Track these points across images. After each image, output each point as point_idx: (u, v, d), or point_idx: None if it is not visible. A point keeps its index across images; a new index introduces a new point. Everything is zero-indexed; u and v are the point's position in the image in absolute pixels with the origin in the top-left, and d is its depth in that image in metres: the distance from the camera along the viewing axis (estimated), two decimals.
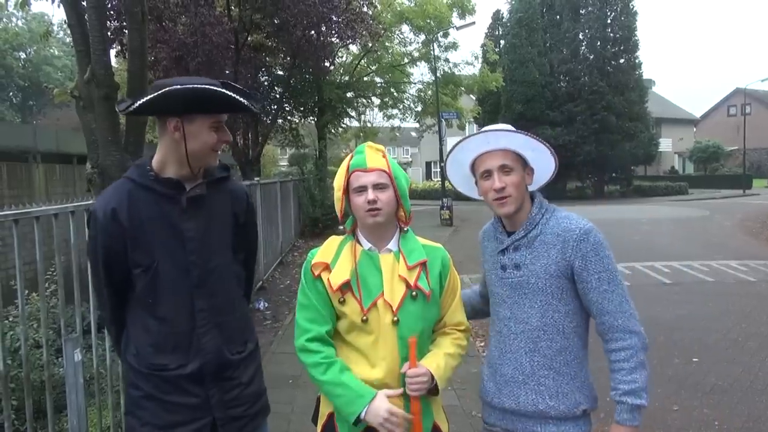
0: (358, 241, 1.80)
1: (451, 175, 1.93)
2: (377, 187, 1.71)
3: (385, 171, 1.73)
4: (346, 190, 1.76)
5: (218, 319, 1.79)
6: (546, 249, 1.72)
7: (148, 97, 1.65)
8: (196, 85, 1.65)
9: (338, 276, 1.72)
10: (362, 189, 1.71)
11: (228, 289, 1.84)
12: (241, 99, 1.67)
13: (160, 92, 1.63)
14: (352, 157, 1.77)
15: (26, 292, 2.46)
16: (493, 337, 1.87)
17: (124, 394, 2.82)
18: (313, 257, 1.79)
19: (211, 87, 1.65)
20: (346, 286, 1.71)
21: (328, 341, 1.75)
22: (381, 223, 1.73)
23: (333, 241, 1.82)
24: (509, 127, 1.77)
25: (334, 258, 1.76)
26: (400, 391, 1.68)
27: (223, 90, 1.66)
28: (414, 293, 1.73)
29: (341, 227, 1.83)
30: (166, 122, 1.69)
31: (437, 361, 1.74)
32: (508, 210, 1.73)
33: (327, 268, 1.75)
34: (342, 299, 1.72)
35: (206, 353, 1.76)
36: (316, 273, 1.76)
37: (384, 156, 1.77)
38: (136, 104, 1.68)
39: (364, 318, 1.70)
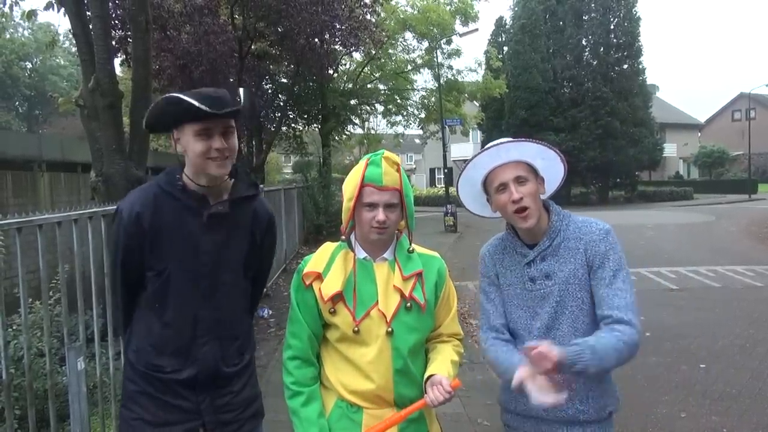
0: (352, 249, 1.77)
1: (462, 195, 1.90)
2: (388, 206, 1.67)
3: (398, 190, 1.69)
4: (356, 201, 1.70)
5: (219, 332, 1.82)
6: (571, 254, 1.72)
7: (146, 114, 1.75)
8: (163, 97, 1.70)
9: (330, 286, 1.69)
10: (373, 206, 1.67)
11: (233, 304, 1.86)
12: (195, 102, 1.63)
13: (150, 109, 1.73)
14: (366, 164, 1.70)
15: (29, 300, 2.46)
16: (521, 350, 1.80)
17: (115, 399, 2.87)
18: (305, 265, 1.77)
19: (171, 95, 1.68)
20: (337, 297, 1.69)
21: (307, 360, 1.75)
22: (385, 239, 1.72)
23: (326, 249, 1.79)
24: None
25: (326, 267, 1.73)
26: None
27: (179, 95, 1.66)
28: (408, 304, 1.70)
29: (344, 238, 1.78)
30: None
31: (447, 369, 1.72)
32: (532, 223, 1.71)
33: (319, 277, 1.73)
34: (333, 310, 1.69)
35: (202, 363, 1.78)
36: (308, 282, 1.74)
37: (399, 170, 1.71)
38: (144, 123, 1.77)
39: (356, 329, 1.68)
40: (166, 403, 1.79)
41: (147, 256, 1.76)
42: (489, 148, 1.74)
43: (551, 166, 1.79)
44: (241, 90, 1.73)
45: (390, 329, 1.68)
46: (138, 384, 1.81)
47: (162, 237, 1.75)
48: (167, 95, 1.70)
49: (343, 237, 1.79)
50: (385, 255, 1.76)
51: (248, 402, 1.90)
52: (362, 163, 1.72)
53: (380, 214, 1.66)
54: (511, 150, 1.72)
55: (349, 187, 1.70)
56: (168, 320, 1.77)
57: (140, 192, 1.82)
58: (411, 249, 1.78)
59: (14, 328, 3.23)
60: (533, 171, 1.75)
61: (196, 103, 1.63)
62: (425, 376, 1.71)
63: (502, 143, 1.74)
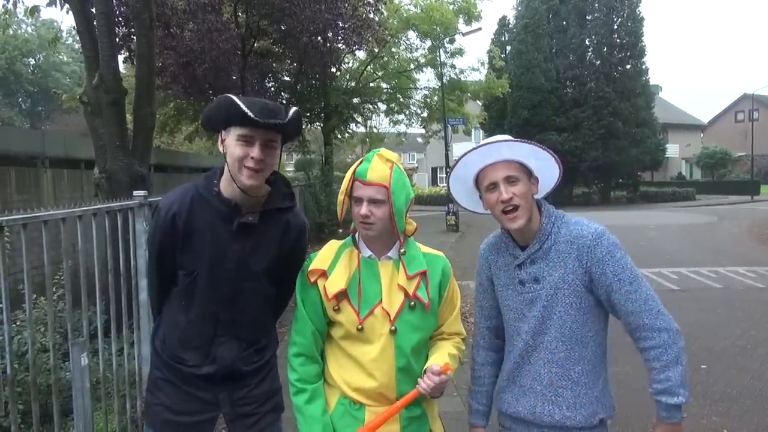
0: (357, 247, 1.78)
1: (454, 191, 1.88)
2: (372, 202, 1.68)
3: (384, 186, 1.68)
4: (349, 195, 1.75)
5: (239, 333, 1.86)
6: (562, 259, 1.68)
7: (203, 112, 1.81)
8: (220, 96, 1.73)
9: (334, 284, 1.71)
10: (359, 200, 1.70)
11: (255, 309, 1.89)
12: (242, 106, 1.65)
13: (205, 108, 1.78)
14: (361, 161, 1.75)
15: (33, 296, 2.47)
16: (510, 352, 1.82)
17: (118, 395, 2.97)
18: (310, 263, 1.79)
19: (228, 96, 1.70)
20: (342, 295, 1.70)
21: (311, 356, 1.77)
22: (373, 236, 1.72)
23: (331, 246, 1.81)
24: (510, 137, 1.73)
25: (331, 264, 1.75)
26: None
27: (234, 99, 1.67)
28: (412, 303, 1.71)
29: (340, 231, 1.82)
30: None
31: (444, 360, 1.73)
32: (520, 223, 1.68)
33: (324, 275, 1.74)
34: (337, 307, 1.71)
35: (221, 361, 1.83)
36: (312, 280, 1.75)
37: (391, 167, 1.70)
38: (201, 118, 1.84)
39: (360, 327, 1.69)
40: (186, 393, 1.85)
41: (178, 255, 1.81)
42: (479, 147, 1.71)
43: (546, 166, 1.75)
44: (293, 109, 1.73)
45: (393, 328, 1.69)
46: (162, 371, 1.89)
47: (193, 240, 1.80)
48: (224, 95, 1.72)
49: (340, 230, 1.82)
50: (389, 254, 1.77)
51: (267, 396, 1.93)
52: (359, 160, 1.77)
53: (363, 208, 1.68)
54: (503, 149, 1.70)
55: (344, 181, 1.75)
56: (192, 317, 1.83)
57: (180, 192, 1.85)
58: (403, 251, 1.76)
59: (18, 323, 3.24)
60: (526, 170, 1.71)
61: (243, 107, 1.65)
62: (423, 370, 1.72)
63: (492, 142, 1.71)
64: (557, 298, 1.68)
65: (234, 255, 1.80)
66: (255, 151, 1.70)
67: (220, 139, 1.78)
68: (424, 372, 1.70)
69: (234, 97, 1.68)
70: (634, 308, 1.63)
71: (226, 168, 1.79)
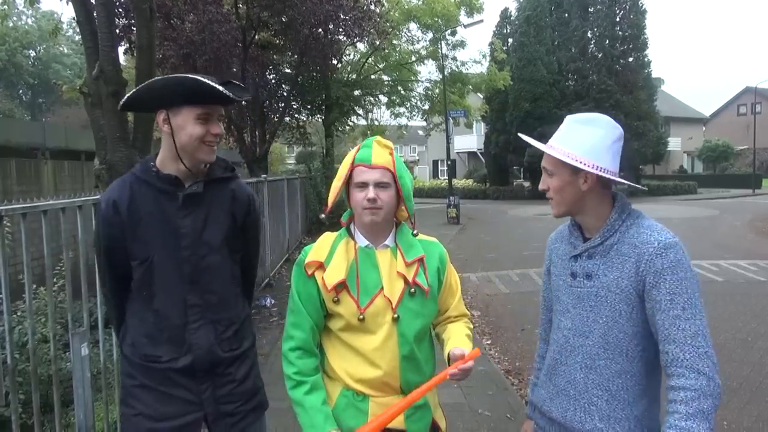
0: (353, 237, 1.77)
1: None
2: (379, 185, 1.68)
3: (389, 170, 1.69)
4: (347, 182, 1.73)
5: (212, 316, 1.80)
6: (621, 261, 1.53)
7: (132, 92, 1.75)
8: (171, 75, 1.72)
9: (333, 275, 1.69)
10: (364, 185, 1.68)
11: (223, 287, 1.83)
12: (218, 86, 1.65)
13: (140, 86, 1.73)
14: (359, 149, 1.74)
15: (34, 286, 2.47)
16: (551, 346, 1.73)
17: (119, 385, 2.84)
18: (305, 255, 1.77)
19: (187, 75, 1.69)
20: (341, 286, 1.69)
21: (309, 350, 1.74)
22: (378, 222, 1.71)
23: (327, 238, 1.79)
24: (557, 143, 1.59)
25: (328, 256, 1.73)
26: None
27: (196, 77, 1.66)
28: (412, 289, 1.71)
29: (323, 216, 1.81)
30: (157, 117, 1.74)
31: (464, 343, 1.72)
32: (554, 212, 1.63)
33: (321, 266, 1.72)
34: (336, 299, 1.69)
35: (198, 349, 1.77)
36: (310, 272, 1.73)
37: (391, 153, 1.73)
38: (123, 99, 1.78)
39: (361, 317, 1.68)
40: (164, 395, 1.77)
41: (129, 245, 1.76)
42: (532, 139, 1.70)
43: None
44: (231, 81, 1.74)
45: (396, 315, 1.68)
46: (136, 378, 1.79)
47: (142, 224, 1.75)
48: (173, 76, 1.71)
49: (323, 216, 1.79)
50: (386, 242, 1.76)
51: (251, 393, 1.88)
52: (355, 148, 1.76)
53: (370, 192, 1.66)
54: (551, 144, 1.59)
55: (341, 169, 1.74)
56: (157, 307, 1.77)
57: (117, 182, 1.83)
58: (415, 233, 1.80)
59: (18, 314, 3.25)
60: (568, 166, 1.56)
61: (220, 88, 1.65)
62: (446, 352, 1.70)
63: (544, 144, 1.62)
64: (606, 302, 1.55)
65: (187, 230, 1.76)
66: (215, 128, 1.75)
67: (161, 118, 1.73)
68: (449, 358, 1.66)
69: (198, 77, 1.67)
70: (677, 337, 1.44)
71: (165, 149, 1.76)
